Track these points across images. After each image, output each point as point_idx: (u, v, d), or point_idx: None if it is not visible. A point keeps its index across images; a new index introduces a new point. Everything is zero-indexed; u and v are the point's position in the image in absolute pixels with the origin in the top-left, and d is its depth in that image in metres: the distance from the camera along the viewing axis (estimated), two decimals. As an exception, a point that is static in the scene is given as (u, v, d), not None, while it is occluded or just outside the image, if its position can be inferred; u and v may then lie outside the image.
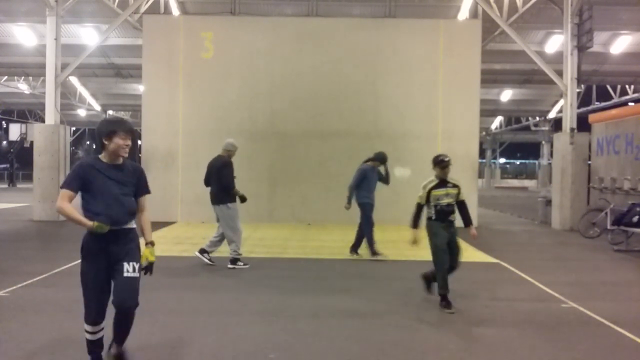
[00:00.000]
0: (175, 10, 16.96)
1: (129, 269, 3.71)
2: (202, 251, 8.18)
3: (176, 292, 6.49)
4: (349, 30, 14.32)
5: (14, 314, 5.45)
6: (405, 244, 10.69)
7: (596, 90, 26.88)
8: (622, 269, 8.78)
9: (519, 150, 59.22)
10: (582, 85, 23.04)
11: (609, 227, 10.95)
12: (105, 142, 3.69)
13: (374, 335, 5.00)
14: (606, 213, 11.28)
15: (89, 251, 3.71)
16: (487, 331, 5.19)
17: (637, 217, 10.21)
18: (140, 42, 15.20)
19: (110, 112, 33.47)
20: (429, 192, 5.93)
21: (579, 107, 16.67)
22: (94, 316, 3.75)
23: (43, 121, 14.67)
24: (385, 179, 9.25)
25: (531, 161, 55.47)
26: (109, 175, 3.71)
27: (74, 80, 26.14)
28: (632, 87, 24.70)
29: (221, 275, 7.62)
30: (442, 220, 5.94)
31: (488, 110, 30.35)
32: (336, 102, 14.05)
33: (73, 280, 6.84)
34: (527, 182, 47.75)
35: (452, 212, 6.00)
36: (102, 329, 3.85)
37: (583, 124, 15.32)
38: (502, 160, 55.76)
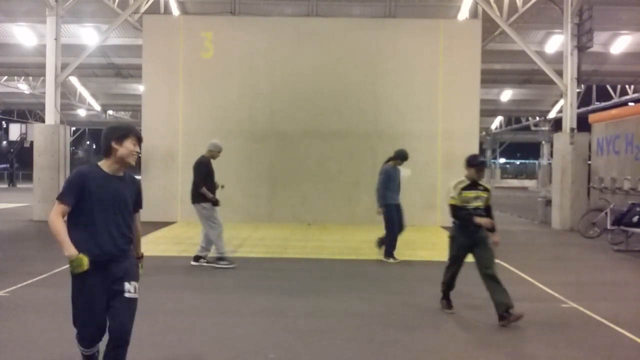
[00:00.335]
0: (175, 10, 16.95)
1: (130, 290, 3.35)
2: (197, 258, 8.10)
3: (176, 292, 6.49)
4: (349, 30, 14.32)
5: (14, 314, 5.46)
6: (405, 244, 10.71)
7: (596, 90, 26.86)
8: (622, 269, 8.78)
9: (519, 150, 59.24)
10: (582, 85, 23.02)
11: (609, 227, 10.95)
12: (115, 147, 3.33)
13: (374, 335, 5.00)
14: (606, 213, 11.29)
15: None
16: (487, 331, 5.18)
17: (637, 217, 10.21)
18: (140, 42, 15.20)
19: (110, 112, 33.46)
20: (460, 193, 5.51)
21: (579, 107, 16.66)
22: (92, 338, 3.37)
23: (43, 121, 14.66)
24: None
25: (531, 161, 55.46)
26: (110, 189, 3.33)
27: (74, 80, 26.12)
28: (632, 87, 24.68)
29: (221, 275, 7.62)
30: (468, 225, 5.49)
31: (488, 110, 30.32)
32: (336, 102, 14.05)
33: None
34: (527, 182, 47.74)
35: (480, 216, 5.51)
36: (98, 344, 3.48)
37: (583, 124, 15.32)
38: (502, 160, 55.76)
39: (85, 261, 3.14)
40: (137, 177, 3.87)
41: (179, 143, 14.05)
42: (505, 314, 5.24)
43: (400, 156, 8.99)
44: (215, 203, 7.90)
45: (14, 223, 13.31)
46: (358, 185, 13.99)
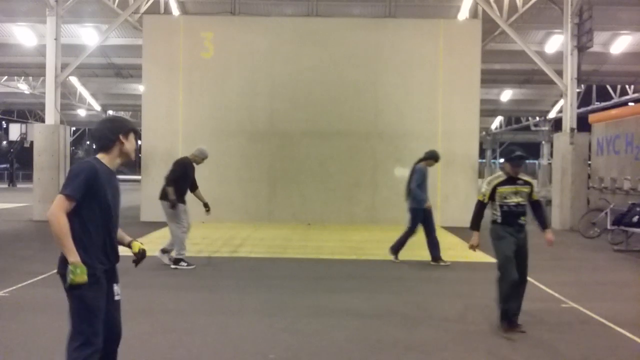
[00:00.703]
0: (175, 10, 16.94)
1: (118, 292, 3.19)
2: (176, 261, 7.91)
3: (176, 292, 6.49)
4: (349, 30, 14.32)
5: (14, 314, 5.46)
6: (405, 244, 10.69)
7: (596, 90, 26.84)
8: (622, 269, 8.78)
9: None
10: (582, 85, 23.03)
11: (609, 227, 10.94)
12: (124, 141, 3.16)
13: (374, 335, 5.00)
14: (606, 213, 11.28)
15: (96, 272, 3.01)
16: (487, 331, 5.18)
17: (637, 217, 10.21)
18: (140, 42, 15.19)
19: (110, 112, 33.45)
20: (493, 189, 5.11)
21: (579, 107, 16.67)
22: (99, 348, 3.05)
23: (43, 121, 14.66)
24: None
25: (531, 161, 55.41)
26: (113, 187, 3.14)
27: (74, 80, 26.09)
28: (632, 87, 24.66)
29: (221, 276, 7.62)
30: (510, 223, 5.10)
31: (488, 110, 30.29)
32: (336, 102, 14.05)
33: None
34: (527, 182, 47.65)
35: (523, 213, 5.15)
36: None
37: (583, 124, 15.33)
38: (502, 160, 55.69)
39: (85, 273, 2.88)
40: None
41: (179, 143, 14.04)
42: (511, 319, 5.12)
43: (433, 156, 8.72)
44: (172, 205, 7.74)
45: (14, 223, 13.31)
46: (358, 185, 14.01)
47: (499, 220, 5.12)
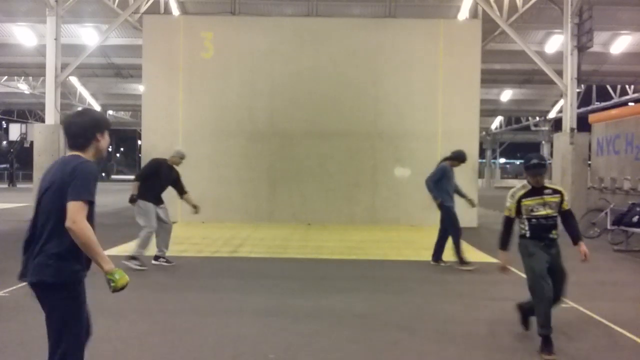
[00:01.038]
0: (175, 10, 16.95)
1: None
2: (156, 258, 7.93)
3: (176, 292, 6.49)
4: (349, 30, 14.32)
5: (14, 314, 5.45)
6: (405, 244, 10.71)
7: (596, 90, 26.87)
8: (622, 269, 8.78)
9: (519, 150, 59.23)
10: (582, 85, 23.06)
11: (609, 227, 10.94)
12: (100, 139, 3.02)
13: (374, 335, 5.00)
14: (606, 213, 11.28)
15: (82, 281, 2.94)
16: (487, 331, 5.18)
17: (637, 217, 10.21)
18: (140, 42, 15.19)
19: (110, 112, 33.47)
20: (518, 202, 4.69)
21: (579, 107, 16.67)
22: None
23: (43, 121, 14.66)
24: (460, 193, 8.53)
25: (531, 161, 55.35)
26: None
27: (74, 80, 26.13)
28: (632, 87, 24.69)
29: (221, 275, 7.62)
30: (540, 237, 4.65)
31: (488, 110, 30.34)
32: (336, 102, 14.05)
33: (73, 280, 6.85)
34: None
35: (554, 226, 4.71)
36: None
37: (583, 124, 15.33)
38: (502, 160, 55.78)
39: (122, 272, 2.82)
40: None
41: (179, 143, 14.01)
42: (525, 318, 4.94)
43: (458, 158, 8.46)
44: (131, 200, 7.70)
45: (14, 223, 13.30)
46: (358, 185, 14.01)
47: (528, 235, 4.70)
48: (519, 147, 55.30)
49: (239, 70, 14.18)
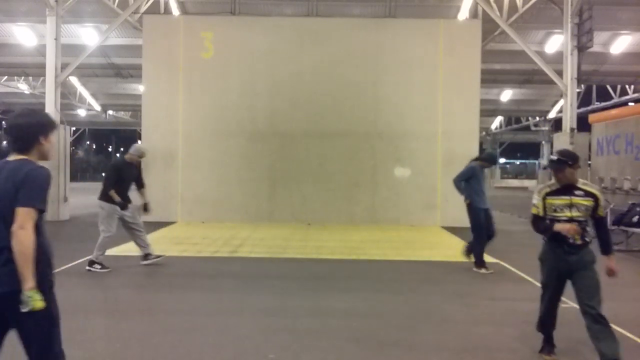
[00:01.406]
0: (175, 10, 16.95)
1: None
2: (145, 257, 7.85)
3: (176, 292, 6.49)
4: (349, 30, 14.32)
5: None
6: (405, 244, 10.70)
7: (596, 90, 26.88)
8: (622, 269, 8.74)
9: (519, 150, 59.32)
10: (582, 85, 23.05)
11: (609, 227, 10.94)
12: (44, 142, 2.85)
13: (374, 335, 5.00)
14: (606, 213, 11.27)
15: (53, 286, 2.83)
16: (487, 331, 5.18)
17: (637, 217, 10.21)
18: (140, 42, 15.19)
19: (110, 112, 33.47)
20: (544, 199, 4.23)
21: (579, 107, 16.68)
22: None
23: (43, 121, 14.65)
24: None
25: (531, 161, 55.53)
26: None
27: (74, 80, 26.12)
28: (632, 87, 24.69)
29: (221, 275, 7.62)
30: (559, 242, 4.16)
31: (488, 110, 30.35)
32: (336, 102, 14.05)
33: (73, 281, 6.85)
34: (527, 182, 47.74)
35: (578, 232, 4.13)
36: None
37: (583, 124, 15.34)
38: (502, 160, 55.78)
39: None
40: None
41: (179, 143, 14.05)
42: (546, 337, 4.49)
43: (486, 159, 8.33)
44: (122, 206, 7.60)
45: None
46: (358, 185, 14.01)
47: (546, 237, 4.27)
48: (519, 147, 55.36)
49: (239, 70, 14.17)
